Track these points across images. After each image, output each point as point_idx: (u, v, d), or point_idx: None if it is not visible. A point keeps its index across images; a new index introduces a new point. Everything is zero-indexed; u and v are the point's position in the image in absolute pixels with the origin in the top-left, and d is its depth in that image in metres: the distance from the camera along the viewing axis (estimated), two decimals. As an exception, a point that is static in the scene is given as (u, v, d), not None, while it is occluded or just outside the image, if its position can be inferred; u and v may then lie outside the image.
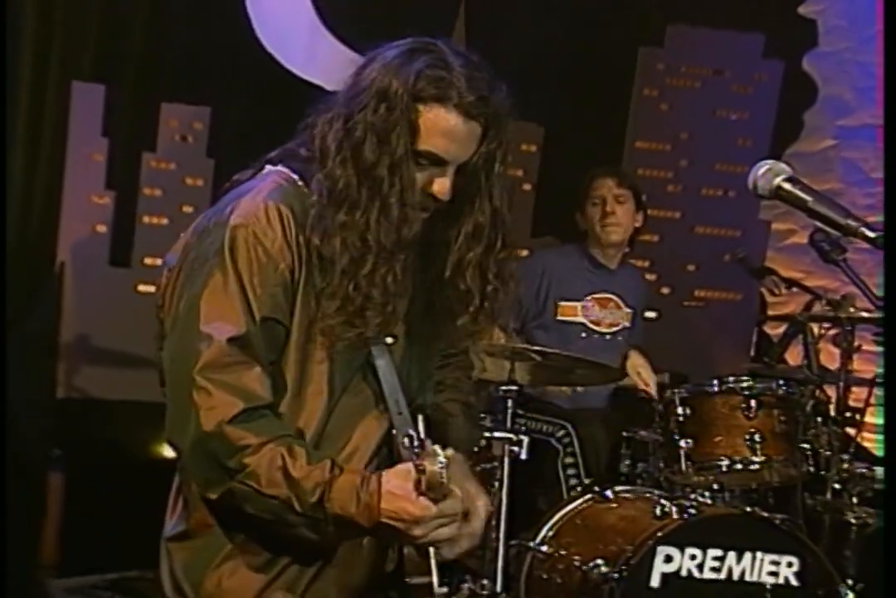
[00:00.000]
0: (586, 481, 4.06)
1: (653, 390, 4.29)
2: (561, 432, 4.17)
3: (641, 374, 4.37)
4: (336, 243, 1.90)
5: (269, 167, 2.03)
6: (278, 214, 1.91)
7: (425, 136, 1.91)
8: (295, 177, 1.99)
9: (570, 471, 4.11)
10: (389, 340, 2.00)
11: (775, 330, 5.34)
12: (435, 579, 1.99)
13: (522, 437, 3.56)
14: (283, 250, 1.90)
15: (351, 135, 1.91)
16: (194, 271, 1.91)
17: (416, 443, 1.91)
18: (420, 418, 2.06)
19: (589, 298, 4.47)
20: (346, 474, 1.85)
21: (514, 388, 3.61)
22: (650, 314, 5.00)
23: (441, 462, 1.75)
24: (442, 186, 1.95)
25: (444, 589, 2.06)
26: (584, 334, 4.44)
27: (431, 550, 1.97)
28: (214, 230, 1.92)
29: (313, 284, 1.93)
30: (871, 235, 1.83)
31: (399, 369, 2.02)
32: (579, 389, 4.40)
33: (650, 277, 5.39)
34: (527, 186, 5.36)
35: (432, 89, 1.91)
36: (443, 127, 1.92)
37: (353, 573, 2.02)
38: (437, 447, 1.80)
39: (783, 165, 1.93)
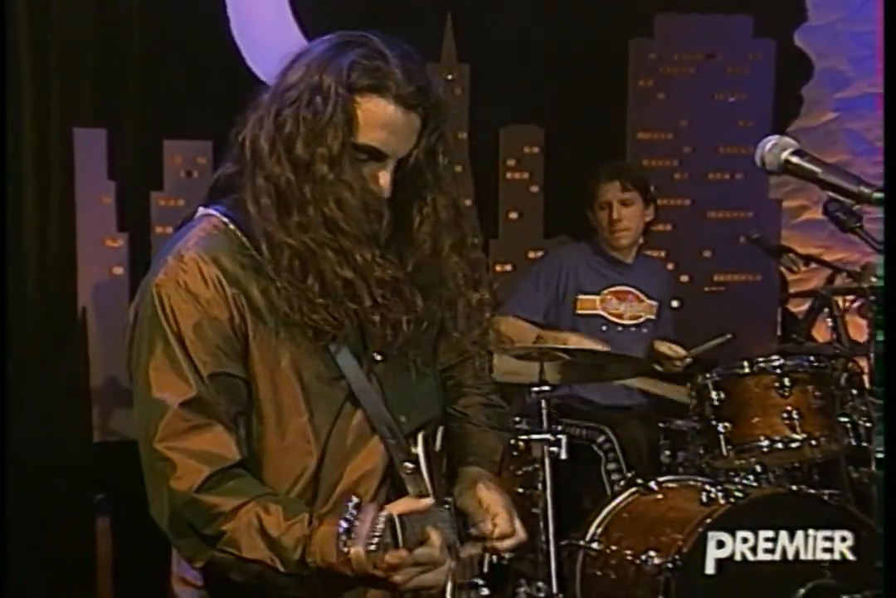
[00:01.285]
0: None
1: (683, 354, 4.30)
2: (601, 438, 4.16)
3: (672, 347, 4.37)
4: (305, 238, 1.82)
5: (200, 210, 1.95)
6: (204, 268, 1.84)
7: (363, 129, 1.83)
8: (225, 220, 1.90)
9: (615, 476, 4.10)
10: (378, 357, 1.93)
11: (799, 308, 5.33)
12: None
13: (560, 437, 3.56)
14: (217, 302, 1.84)
15: (282, 131, 1.83)
16: (136, 337, 1.87)
17: (412, 468, 1.88)
18: (420, 437, 1.98)
19: (606, 291, 4.48)
20: (325, 525, 1.77)
21: (547, 388, 3.61)
22: (673, 304, 5.00)
23: (372, 542, 1.63)
24: (383, 181, 1.86)
25: (486, 591, 2.04)
26: (604, 327, 4.44)
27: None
28: (147, 291, 1.87)
29: (264, 326, 1.86)
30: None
31: (392, 389, 1.95)
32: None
33: (668, 266, 5.38)
34: (534, 188, 5.36)
35: (368, 80, 1.82)
36: (381, 119, 1.83)
37: None
38: (383, 517, 1.65)
39: (789, 139, 1.93)
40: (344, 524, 1.65)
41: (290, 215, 1.84)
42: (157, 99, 4.78)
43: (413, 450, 1.96)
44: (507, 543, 2.02)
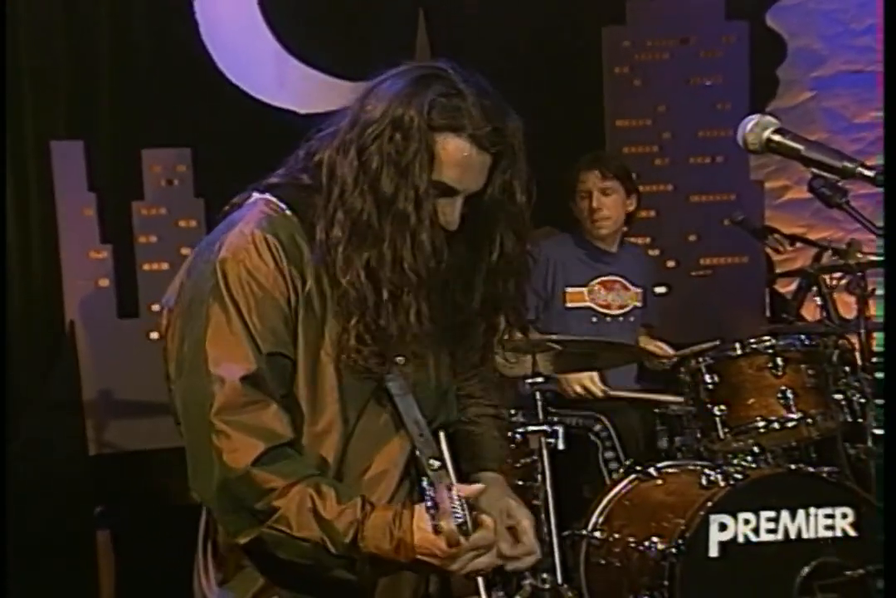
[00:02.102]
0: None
1: (669, 350, 4.31)
2: (597, 427, 4.16)
3: (661, 346, 4.39)
4: (361, 278, 1.86)
5: (255, 195, 1.99)
6: (267, 245, 1.88)
7: (438, 166, 1.87)
8: (283, 205, 1.94)
9: (613, 465, 4.10)
10: (400, 360, 1.95)
11: (787, 287, 5.33)
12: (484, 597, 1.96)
13: (557, 427, 3.57)
14: (278, 281, 1.87)
15: (367, 166, 1.86)
16: (193, 312, 1.89)
17: (438, 465, 1.90)
18: (442, 436, 2.02)
19: (594, 282, 4.48)
20: (378, 511, 1.81)
21: (541, 380, 3.61)
22: (660, 290, 5.00)
23: (458, 517, 1.69)
24: (451, 216, 1.90)
25: (501, 593, 2.06)
26: (594, 319, 4.45)
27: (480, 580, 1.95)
28: (206, 268, 1.89)
29: (313, 313, 1.90)
30: (869, 174, 1.83)
31: (415, 389, 1.97)
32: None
33: (653, 252, 5.38)
34: (516, 181, 5.35)
35: (447, 119, 1.86)
36: (457, 158, 1.87)
37: (398, 595, 1.99)
38: (456, 495, 1.72)
39: (770, 118, 1.93)
40: (429, 501, 1.70)
41: (361, 251, 1.87)
42: (131, 108, 4.76)
43: (439, 447, 1.98)
44: (528, 562, 2.05)
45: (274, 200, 1.96)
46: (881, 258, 3.64)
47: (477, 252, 1.97)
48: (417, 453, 1.94)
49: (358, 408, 1.93)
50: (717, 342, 4.14)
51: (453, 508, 1.69)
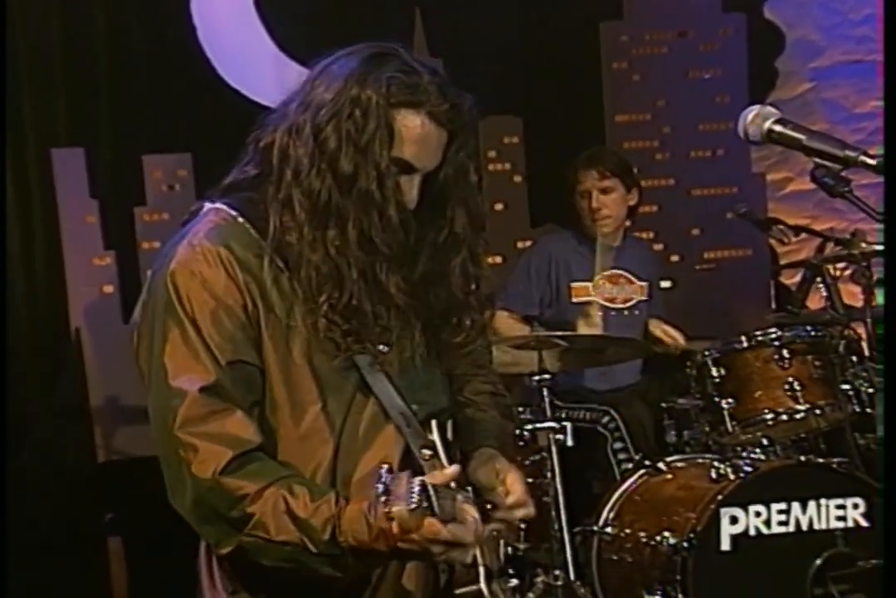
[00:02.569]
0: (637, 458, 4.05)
1: (680, 340, 4.31)
2: (606, 419, 4.16)
3: (667, 331, 4.39)
4: (330, 255, 1.84)
5: (206, 205, 1.97)
6: (217, 255, 1.86)
7: (398, 143, 1.85)
8: (233, 212, 1.92)
9: (622, 456, 4.10)
10: (383, 348, 1.93)
11: (791, 279, 5.32)
12: (484, 586, 1.96)
13: (565, 424, 3.57)
14: (231, 290, 1.85)
15: (324, 146, 1.84)
16: (151, 328, 1.87)
17: (429, 454, 1.90)
18: (434, 424, 2.00)
19: (598, 276, 4.48)
20: (353, 503, 1.79)
21: (547, 376, 3.61)
22: (665, 284, 5.00)
23: (412, 501, 1.65)
24: (409, 194, 1.89)
25: (515, 581, 2.06)
26: (600, 313, 4.44)
27: (478, 558, 1.95)
28: (159, 281, 1.88)
29: (276, 317, 1.87)
30: (871, 162, 1.82)
31: (399, 379, 1.95)
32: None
33: (657, 247, 5.38)
34: (517, 178, 5.36)
35: (406, 95, 1.85)
36: (416, 134, 1.86)
37: (408, 590, 1.97)
38: (417, 481, 1.68)
39: (770, 109, 1.92)
40: (380, 487, 1.66)
41: (326, 230, 1.85)
42: (131, 114, 4.77)
43: (429, 436, 1.97)
44: (520, 512, 2.04)
45: (224, 208, 1.93)
46: (882, 248, 3.65)
47: (427, 230, 1.96)
48: (407, 445, 1.93)
49: (343, 405, 1.91)
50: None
51: (410, 492, 1.66)
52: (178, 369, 1.83)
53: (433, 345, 2.03)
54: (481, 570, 1.96)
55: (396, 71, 1.86)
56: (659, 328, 4.48)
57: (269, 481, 1.81)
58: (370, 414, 1.93)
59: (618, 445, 4.11)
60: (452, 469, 1.85)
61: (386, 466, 1.70)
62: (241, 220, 1.91)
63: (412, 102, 1.86)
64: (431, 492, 1.69)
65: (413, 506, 1.65)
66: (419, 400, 1.98)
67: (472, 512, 1.81)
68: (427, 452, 1.93)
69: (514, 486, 2.03)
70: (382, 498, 1.66)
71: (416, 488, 1.66)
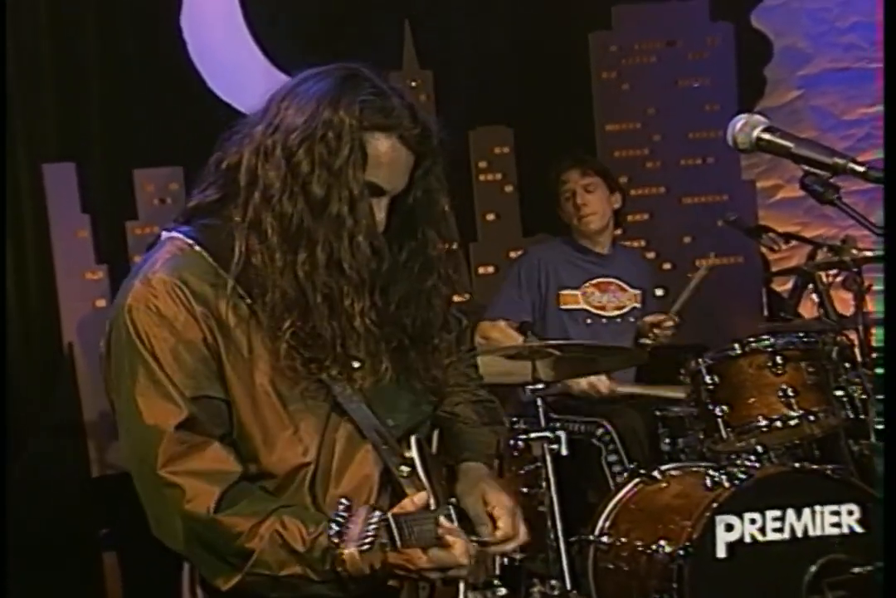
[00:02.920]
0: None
1: (664, 317, 4.32)
2: (600, 431, 4.16)
3: (656, 316, 4.39)
4: (298, 280, 1.82)
5: (164, 234, 1.95)
6: (172, 289, 1.84)
7: (369, 166, 1.85)
8: (189, 242, 1.89)
9: (617, 468, 4.10)
10: (356, 364, 1.92)
11: (783, 286, 5.34)
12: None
13: (560, 433, 3.56)
14: (189, 324, 1.83)
15: (297, 168, 1.82)
16: (118, 365, 1.86)
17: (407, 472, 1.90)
18: (413, 440, 1.99)
19: (587, 284, 4.49)
20: None
21: (541, 386, 3.60)
22: (658, 292, 5.01)
23: (365, 542, 1.64)
24: (378, 215, 1.88)
25: (504, 591, 2.06)
26: (589, 321, 4.46)
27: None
28: (118, 315, 1.86)
29: (236, 346, 1.85)
30: (860, 169, 1.83)
31: (373, 397, 1.93)
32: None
33: (649, 255, 5.39)
34: (509, 188, 5.37)
35: (380, 119, 1.84)
36: (388, 158, 1.86)
37: None
38: (375, 517, 1.68)
39: (758, 117, 1.93)
40: (334, 526, 1.66)
41: (297, 255, 1.83)
42: (122, 128, 4.77)
43: (407, 454, 1.96)
44: (510, 546, 2.03)
45: (180, 237, 1.91)
46: (881, 254, 3.66)
47: (400, 254, 1.95)
48: (386, 463, 1.93)
49: (316, 427, 1.89)
50: (702, 271, 4.25)
51: (364, 532, 1.65)
52: (150, 407, 1.82)
53: (406, 363, 2.01)
54: (461, 585, 1.95)
55: (369, 94, 1.86)
56: (651, 316, 4.47)
57: (263, 517, 1.81)
58: (345, 434, 1.91)
59: (612, 457, 4.11)
60: (420, 497, 1.85)
61: (345, 502, 1.69)
62: (197, 248, 1.89)
63: (385, 126, 1.85)
64: (393, 525, 1.69)
65: (365, 548, 1.64)
66: (397, 414, 1.97)
67: (455, 533, 1.81)
68: (405, 469, 1.93)
69: (500, 522, 2.01)
70: (334, 539, 1.66)
71: (373, 525, 1.65)
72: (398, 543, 1.70)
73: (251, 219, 1.85)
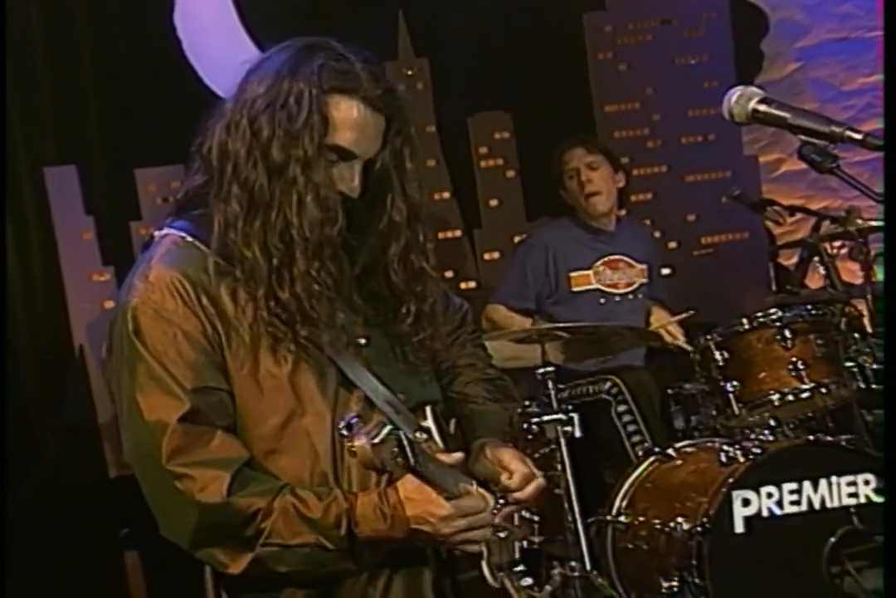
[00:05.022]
0: (643, 429, 4.03)
1: (682, 342, 4.30)
2: (608, 384, 4.15)
3: (670, 330, 4.38)
4: (257, 248, 1.84)
5: (156, 233, 1.97)
6: (172, 284, 1.86)
7: (333, 130, 1.86)
8: (182, 235, 1.92)
9: (627, 418, 4.09)
10: (362, 341, 1.94)
11: (790, 260, 5.32)
12: (487, 573, 1.96)
13: (573, 415, 3.55)
14: (188, 317, 1.85)
15: (258, 135, 1.85)
16: (118, 364, 1.88)
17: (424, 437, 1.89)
18: (429, 410, 2.00)
19: (598, 263, 4.48)
20: (362, 496, 1.83)
21: (551, 369, 3.60)
22: (665, 271, 5.00)
23: (378, 437, 1.64)
24: (351, 182, 1.90)
25: (530, 580, 2.05)
26: (602, 300, 4.45)
27: (484, 557, 1.96)
28: (119, 316, 1.88)
29: (238, 334, 1.87)
30: (857, 137, 1.82)
31: (382, 370, 1.95)
32: None
33: (654, 234, 5.38)
34: (511, 173, 5.36)
35: (339, 81, 1.86)
36: (351, 119, 1.87)
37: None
38: (385, 425, 1.69)
39: (754, 89, 1.92)
40: (343, 423, 1.67)
41: (255, 220, 1.86)
42: (120, 129, 4.77)
43: (423, 423, 1.97)
44: (530, 488, 2.03)
45: (172, 232, 1.94)
46: (881, 223, 3.66)
47: (368, 220, 1.95)
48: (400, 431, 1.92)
49: (327, 405, 1.90)
50: (691, 312, 4.19)
51: (374, 430, 1.65)
52: (151, 404, 1.83)
53: (398, 334, 2.02)
54: (483, 566, 1.96)
55: (328, 59, 1.88)
56: (662, 326, 4.45)
57: (275, 494, 1.83)
58: (357, 408, 1.92)
59: (622, 407, 4.09)
60: (457, 455, 1.87)
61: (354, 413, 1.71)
62: (189, 239, 1.91)
63: (345, 88, 1.86)
64: (406, 442, 1.68)
65: (376, 441, 1.64)
66: (405, 388, 1.98)
67: (474, 489, 1.84)
68: (421, 436, 1.93)
69: (513, 464, 2.03)
70: (344, 432, 1.66)
71: (385, 429, 1.65)
72: (411, 459, 1.69)
73: (224, 192, 1.88)
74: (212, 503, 1.80)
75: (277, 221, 1.85)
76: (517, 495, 2.02)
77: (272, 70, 1.89)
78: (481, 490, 1.87)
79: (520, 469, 2.02)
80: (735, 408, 3.72)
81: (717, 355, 3.76)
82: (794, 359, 3.69)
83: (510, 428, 2.18)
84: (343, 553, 1.82)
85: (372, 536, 1.80)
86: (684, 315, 4.29)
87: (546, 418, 3.55)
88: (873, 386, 3.69)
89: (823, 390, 3.71)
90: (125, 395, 1.86)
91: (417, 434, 1.91)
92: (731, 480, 3.36)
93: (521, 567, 2.06)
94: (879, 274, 3.92)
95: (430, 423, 1.98)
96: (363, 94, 1.87)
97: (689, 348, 4.11)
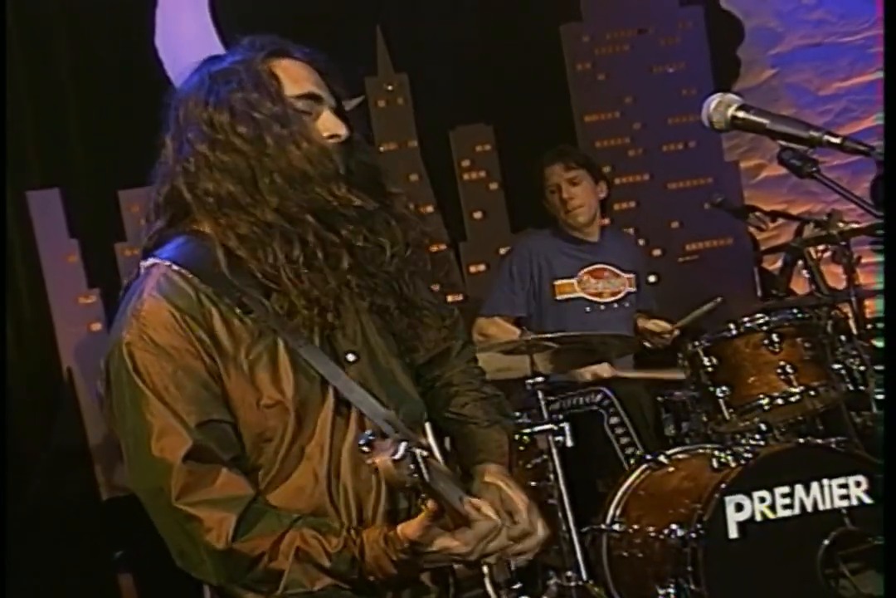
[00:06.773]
0: (636, 440, 4.05)
1: (667, 326, 4.33)
2: (599, 397, 4.16)
3: (657, 322, 4.41)
4: (268, 211, 1.87)
5: (142, 264, 1.96)
6: (164, 316, 1.85)
7: (289, 83, 1.94)
8: (167, 263, 1.91)
9: (619, 430, 4.09)
10: (351, 357, 1.94)
11: (774, 265, 5.36)
12: (490, 589, 1.95)
13: (564, 425, 3.56)
14: (186, 351, 1.84)
15: (218, 126, 1.90)
16: (119, 401, 1.87)
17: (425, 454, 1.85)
18: (428, 426, 1.99)
19: (581, 273, 4.50)
20: (369, 541, 1.82)
21: (541, 379, 3.61)
22: (651, 279, 5.02)
23: (398, 454, 1.63)
24: (331, 122, 1.94)
25: (519, 584, 2.04)
26: (588, 309, 4.47)
27: (485, 572, 1.95)
28: (116, 352, 1.86)
29: (235, 361, 1.86)
30: (835, 141, 1.84)
31: (374, 387, 1.95)
32: None
33: (638, 242, 5.41)
34: (493, 186, 5.38)
35: (273, 46, 1.97)
36: (300, 73, 1.96)
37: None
38: (406, 445, 1.67)
39: (732, 96, 1.94)
40: (363, 441, 1.66)
41: (257, 184, 1.88)
42: (103, 151, 4.77)
43: (423, 440, 1.95)
44: (529, 542, 2.01)
45: (158, 261, 1.93)
46: (868, 226, 3.68)
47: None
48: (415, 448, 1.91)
49: (326, 427, 1.90)
50: (719, 300, 4.20)
51: (394, 448, 1.64)
52: (156, 442, 1.82)
53: (384, 352, 2.01)
54: (487, 583, 1.95)
55: (253, 37, 2.00)
56: (649, 322, 4.49)
57: (281, 533, 1.82)
58: (354, 427, 1.92)
59: (614, 420, 4.09)
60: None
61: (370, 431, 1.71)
62: (175, 267, 1.90)
63: (282, 51, 1.97)
64: (419, 459, 1.67)
65: (397, 457, 1.63)
66: (399, 404, 1.98)
67: (484, 504, 1.84)
68: (422, 452, 1.93)
69: (518, 516, 1.99)
70: (365, 449, 1.65)
71: (402, 446, 1.64)
72: (425, 475, 1.67)
73: (208, 184, 1.92)
74: (217, 547, 1.80)
75: (282, 174, 1.87)
76: (518, 548, 1.99)
77: (204, 71, 1.98)
78: (484, 507, 1.85)
79: (523, 521, 1.99)
80: (725, 413, 3.73)
81: (706, 361, 3.77)
82: (782, 363, 3.71)
83: (508, 449, 2.17)
84: (363, 585, 1.84)
85: (386, 579, 1.82)
86: (712, 305, 4.28)
87: (537, 428, 3.56)
88: (861, 388, 3.71)
89: (812, 393, 3.73)
90: (129, 431, 1.85)
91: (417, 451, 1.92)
92: (723, 485, 3.37)
93: (518, 585, 2.05)
94: (864, 277, 3.95)
95: (430, 439, 1.97)
96: (297, 55, 1.98)
97: (677, 330, 4.14)
